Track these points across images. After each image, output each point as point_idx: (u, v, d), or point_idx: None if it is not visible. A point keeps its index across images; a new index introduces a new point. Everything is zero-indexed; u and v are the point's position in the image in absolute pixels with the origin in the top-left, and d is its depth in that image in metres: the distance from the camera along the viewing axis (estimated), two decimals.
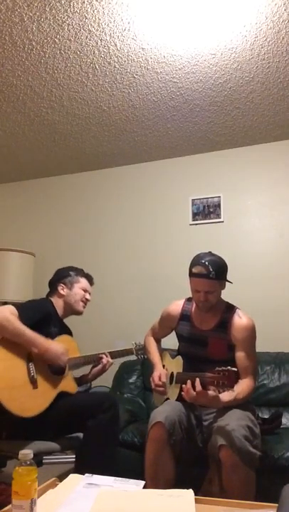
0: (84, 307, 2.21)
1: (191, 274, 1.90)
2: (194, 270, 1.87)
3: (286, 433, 2.22)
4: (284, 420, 2.36)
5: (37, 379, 1.85)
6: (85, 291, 2.21)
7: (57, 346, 1.92)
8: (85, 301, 2.21)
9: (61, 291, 2.16)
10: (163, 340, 2.29)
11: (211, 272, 1.83)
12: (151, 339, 2.26)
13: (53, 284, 2.21)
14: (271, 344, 2.60)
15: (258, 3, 1.85)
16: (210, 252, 1.95)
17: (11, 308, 1.88)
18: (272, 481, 1.68)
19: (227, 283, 1.97)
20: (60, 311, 2.15)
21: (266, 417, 2.37)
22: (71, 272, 2.22)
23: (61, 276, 2.21)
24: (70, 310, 2.18)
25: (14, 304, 1.94)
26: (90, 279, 2.28)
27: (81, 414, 1.91)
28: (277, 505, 1.04)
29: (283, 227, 3.03)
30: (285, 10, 1.89)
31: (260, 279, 3.01)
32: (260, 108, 2.68)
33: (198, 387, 1.68)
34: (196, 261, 1.89)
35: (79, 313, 2.20)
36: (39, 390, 1.85)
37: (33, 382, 1.84)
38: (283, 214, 3.05)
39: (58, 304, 2.16)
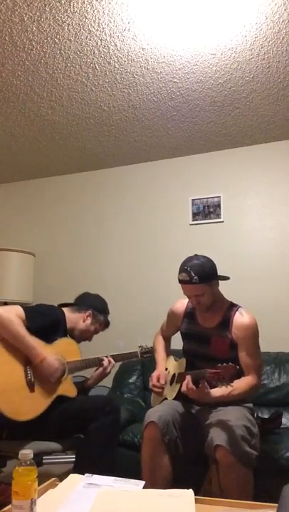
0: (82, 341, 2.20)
1: (179, 281, 1.93)
2: (179, 277, 1.91)
3: (286, 433, 2.22)
4: (284, 420, 2.36)
5: (34, 382, 1.83)
6: (96, 332, 2.23)
7: (52, 361, 1.87)
8: (88, 339, 2.22)
9: (86, 318, 2.16)
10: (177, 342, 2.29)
11: (193, 277, 1.85)
12: (159, 338, 2.29)
13: (84, 305, 2.19)
14: (271, 344, 2.60)
15: (257, 3, 1.85)
16: (195, 255, 1.97)
17: (19, 310, 1.86)
18: (272, 481, 1.68)
19: (227, 279, 1.96)
20: (68, 324, 2.12)
21: (266, 417, 2.37)
22: (106, 313, 2.25)
23: (97, 308, 2.21)
24: (75, 334, 2.15)
25: (21, 306, 1.93)
26: (106, 326, 2.29)
27: (82, 418, 1.90)
28: (277, 505, 1.04)
29: (283, 227, 3.03)
30: (285, 10, 1.89)
31: (260, 279, 3.01)
32: (260, 108, 2.68)
33: (190, 385, 1.74)
34: (180, 267, 1.92)
35: (77, 341, 2.16)
36: (36, 393, 1.83)
37: (30, 386, 1.82)
38: (283, 214, 3.05)
39: (71, 319, 2.13)
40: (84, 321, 2.16)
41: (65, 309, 2.15)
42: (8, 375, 1.77)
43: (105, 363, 2.12)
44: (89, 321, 2.16)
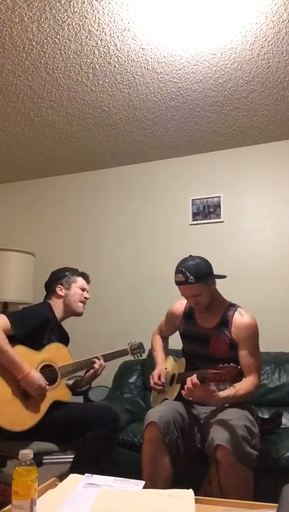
0: (83, 307, 2.17)
1: (175, 283, 1.94)
2: (176, 279, 1.93)
3: (286, 433, 2.22)
4: (284, 420, 2.35)
5: (28, 392, 1.82)
6: (83, 289, 2.18)
7: (34, 378, 1.81)
8: (84, 301, 2.17)
9: (59, 292, 2.12)
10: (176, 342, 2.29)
11: (189, 277, 1.87)
12: (157, 337, 2.30)
13: (50, 286, 2.17)
14: (271, 344, 2.60)
15: (257, 3, 1.85)
16: (190, 255, 1.98)
17: (2, 320, 1.82)
18: (272, 481, 1.68)
19: (223, 277, 1.97)
20: (59, 313, 2.11)
21: (266, 417, 2.37)
22: (67, 273, 2.18)
23: (58, 278, 2.17)
24: (70, 311, 2.14)
25: (13, 306, 1.91)
26: (86, 277, 2.24)
27: (80, 426, 1.88)
28: (277, 505, 1.04)
29: (283, 227, 3.03)
30: (285, 10, 1.89)
31: (260, 279, 3.01)
32: (260, 108, 2.68)
33: (195, 379, 1.70)
34: (176, 269, 1.94)
35: (79, 314, 2.16)
36: (31, 402, 1.82)
37: (24, 395, 1.81)
38: (283, 214, 3.05)
39: (56, 306, 2.11)
40: (62, 296, 2.13)
41: (49, 301, 2.14)
42: (1, 386, 1.76)
43: (96, 365, 2.08)
44: (63, 291, 2.13)
